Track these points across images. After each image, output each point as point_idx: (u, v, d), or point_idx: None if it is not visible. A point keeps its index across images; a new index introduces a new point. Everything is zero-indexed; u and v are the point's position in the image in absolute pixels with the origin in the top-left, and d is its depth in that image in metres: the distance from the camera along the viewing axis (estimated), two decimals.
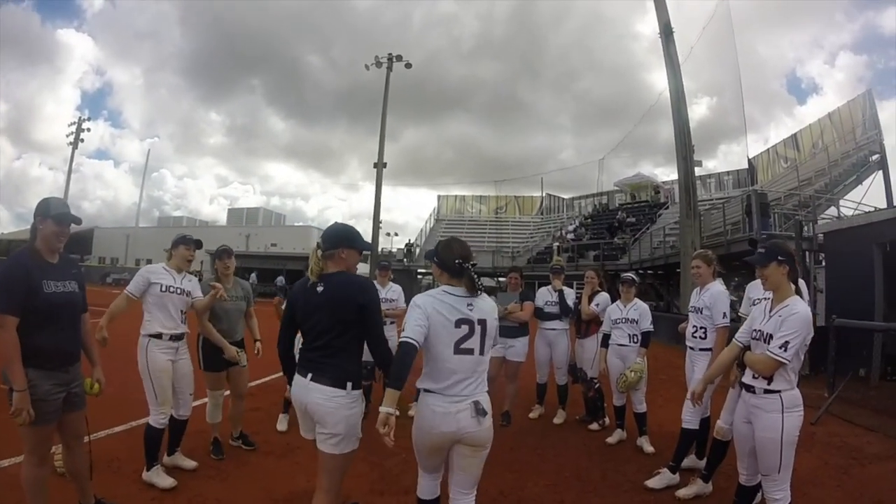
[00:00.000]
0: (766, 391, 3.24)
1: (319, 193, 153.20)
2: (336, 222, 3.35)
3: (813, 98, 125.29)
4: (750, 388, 3.34)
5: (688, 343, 4.89)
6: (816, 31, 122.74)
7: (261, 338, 5.14)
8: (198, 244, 4.54)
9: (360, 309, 2.95)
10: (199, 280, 4.85)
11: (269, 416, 6.05)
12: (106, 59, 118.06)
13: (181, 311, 4.39)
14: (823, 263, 12.69)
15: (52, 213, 3.16)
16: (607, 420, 6.29)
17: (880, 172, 22.88)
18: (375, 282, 6.42)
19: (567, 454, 5.41)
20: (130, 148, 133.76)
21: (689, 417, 4.59)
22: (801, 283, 3.56)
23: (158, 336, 4.20)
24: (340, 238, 3.10)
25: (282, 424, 5.81)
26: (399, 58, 33.60)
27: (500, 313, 5.94)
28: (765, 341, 3.26)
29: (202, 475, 4.45)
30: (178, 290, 4.37)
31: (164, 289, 4.29)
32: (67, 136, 44.30)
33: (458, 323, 2.82)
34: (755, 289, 4.30)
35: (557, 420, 6.56)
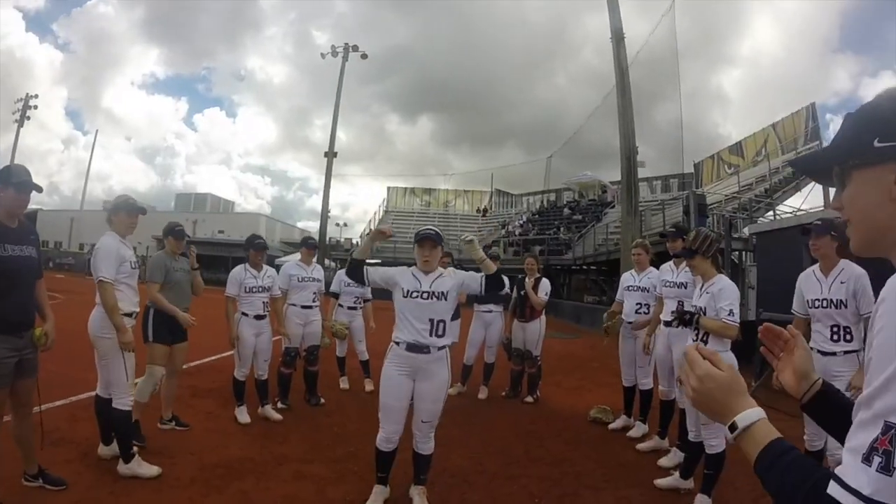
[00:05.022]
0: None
1: None
2: None
3: None
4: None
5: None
6: None
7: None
8: (142, 211, 4.28)
9: None
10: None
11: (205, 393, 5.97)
12: None
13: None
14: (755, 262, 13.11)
15: (14, 181, 3.13)
16: (538, 394, 6.88)
17: None
18: (299, 261, 6.34)
19: (493, 431, 5.60)
20: None
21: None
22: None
23: (127, 315, 3.97)
24: None
25: (243, 416, 5.43)
26: (355, 48, 33.25)
27: None
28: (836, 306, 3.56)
29: None
30: (137, 265, 4.20)
31: (133, 265, 4.12)
32: (14, 113, 42.62)
33: None
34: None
35: (482, 395, 6.96)
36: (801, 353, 1.30)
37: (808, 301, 3.71)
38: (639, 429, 5.52)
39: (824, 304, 3.61)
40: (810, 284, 3.72)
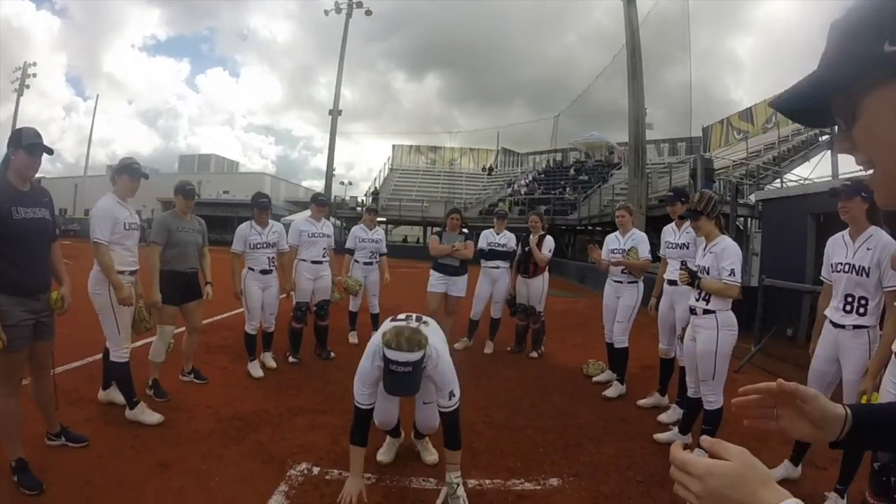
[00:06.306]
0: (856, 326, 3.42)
1: None
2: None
3: None
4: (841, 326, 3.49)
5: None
6: None
7: (211, 280, 5.26)
8: (144, 175, 4.40)
9: None
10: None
11: (218, 350, 6.23)
12: None
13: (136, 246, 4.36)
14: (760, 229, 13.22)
15: (24, 144, 3.14)
16: (543, 350, 7.19)
17: (829, 152, 23.57)
18: (309, 217, 6.44)
19: (499, 385, 5.81)
20: None
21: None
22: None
23: (120, 272, 4.09)
24: None
25: (256, 370, 5.66)
26: (359, 4, 32.69)
27: (448, 251, 6.54)
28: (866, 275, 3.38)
29: (151, 401, 4.60)
30: (135, 226, 4.31)
31: (127, 226, 4.21)
32: (13, 82, 42.31)
33: None
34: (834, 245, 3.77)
35: (487, 350, 7.20)
36: (811, 405, 0.99)
37: (832, 265, 3.59)
38: (615, 388, 5.60)
39: (846, 268, 3.46)
40: (837, 248, 3.60)
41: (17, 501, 2.99)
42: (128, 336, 4.18)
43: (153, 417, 4.16)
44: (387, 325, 3.28)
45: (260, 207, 5.70)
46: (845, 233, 3.59)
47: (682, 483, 0.83)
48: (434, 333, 3.15)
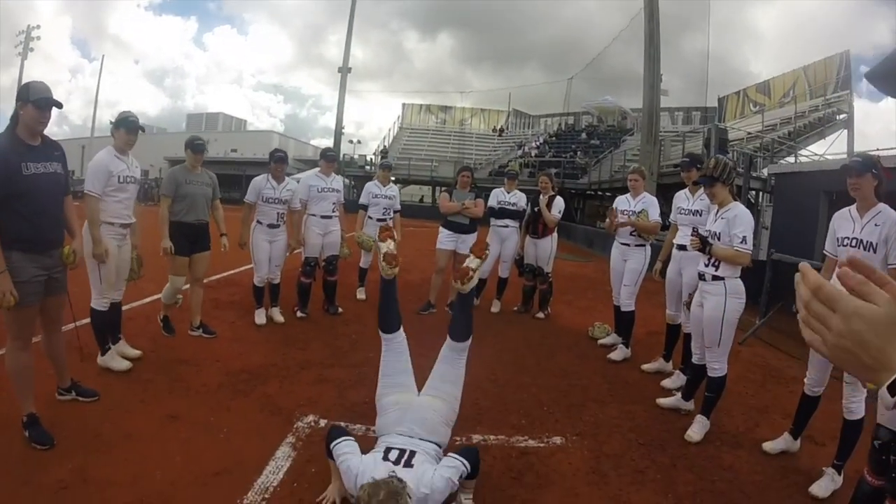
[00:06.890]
0: None
1: None
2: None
3: None
4: None
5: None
6: None
7: (227, 232, 5.31)
8: (141, 129, 4.41)
9: None
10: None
11: (226, 305, 6.35)
12: None
13: (133, 201, 4.40)
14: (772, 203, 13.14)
15: (32, 98, 3.09)
16: (549, 311, 7.23)
17: (845, 131, 23.32)
18: (318, 172, 6.45)
19: (505, 343, 5.88)
20: None
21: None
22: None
23: (110, 224, 4.17)
24: None
25: (260, 318, 5.87)
26: None
27: (458, 209, 6.54)
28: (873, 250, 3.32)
29: (160, 355, 4.71)
30: (132, 179, 4.35)
31: (122, 179, 4.23)
32: (16, 46, 41.73)
33: None
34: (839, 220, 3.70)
35: (494, 309, 7.24)
36: None
37: (838, 239, 3.55)
38: (620, 352, 5.64)
39: (853, 243, 3.42)
40: (844, 222, 3.55)
41: (28, 456, 3.03)
42: (110, 287, 4.25)
43: (122, 364, 4.29)
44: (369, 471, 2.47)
45: (276, 161, 5.81)
46: (852, 208, 3.53)
47: (821, 316, 0.75)
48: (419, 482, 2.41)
